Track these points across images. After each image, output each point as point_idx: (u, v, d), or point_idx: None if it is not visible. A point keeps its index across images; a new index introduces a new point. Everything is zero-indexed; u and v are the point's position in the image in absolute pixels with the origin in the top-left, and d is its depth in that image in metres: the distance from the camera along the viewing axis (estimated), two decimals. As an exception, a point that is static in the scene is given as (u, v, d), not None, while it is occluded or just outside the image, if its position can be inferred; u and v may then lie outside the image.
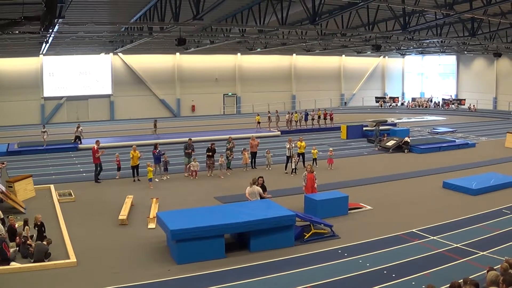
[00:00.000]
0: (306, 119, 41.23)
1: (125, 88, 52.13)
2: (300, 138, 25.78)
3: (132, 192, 19.87)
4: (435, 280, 10.71)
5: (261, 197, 16.19)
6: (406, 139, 30.84)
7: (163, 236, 14.11)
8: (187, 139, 24.87)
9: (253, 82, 58.10)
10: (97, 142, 23.32)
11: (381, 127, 34.96)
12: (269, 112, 41.17)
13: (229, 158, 24.52)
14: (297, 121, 40.45)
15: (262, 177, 17.26)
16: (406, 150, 30.10)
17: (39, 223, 14.15)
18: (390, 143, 31.17)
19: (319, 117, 41.51)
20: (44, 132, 31.56)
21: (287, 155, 24.73)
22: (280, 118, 39.67)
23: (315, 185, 18.27)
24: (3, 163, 24.52)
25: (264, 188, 16.82)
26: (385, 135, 32.99)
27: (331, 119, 41.83)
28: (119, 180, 22.67)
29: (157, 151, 23.04)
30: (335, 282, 11.55)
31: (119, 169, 23.12)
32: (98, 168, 22.55)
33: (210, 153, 23.69)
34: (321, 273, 12.02)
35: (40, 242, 13.01)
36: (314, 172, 18.46)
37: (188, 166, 23.62)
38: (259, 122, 39.52)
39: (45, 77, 48.95)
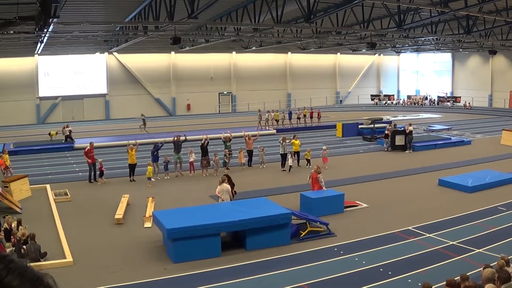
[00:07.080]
0: (290, 118, 40.65)
1: (120, 88, 51.89)
2: (295, 136, 25.84)
3: (128, 191, 19.84)
4: (431, 277, 10.72)
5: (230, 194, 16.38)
6: (410, 127, 29.77)
7: (159, 235, 14.10)
8: (178, 137, 24.17)
9: (249, 80, 57.94)
10: (91, 144, 22.99)
11: (376, 125, 34.98)
12: (259, 110, 40.98)
13: (227, 156, 24.57)
14: (278, 120, 39.81)
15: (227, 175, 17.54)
16: (410, 150, 29.48)
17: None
18: (400, 141, 29.83)
19: (304, 115, 40.71)
20: None
21: (280, 152, 24.79)
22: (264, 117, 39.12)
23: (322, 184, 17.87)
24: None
25: (232, 185, 16.96)
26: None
27: (319, 117, 41.32)
28: (114, 180, 22.58)
29: (155, 149, 23.02)
30: (331, 280, 11.57)
31: (101, 174, 22.41)
32: (92, 169, 22.38)
33: (203, 152, 23.63)
34: (317, 271, 12.04)
35: (32, 242, 12.90)
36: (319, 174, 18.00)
37: (177, 163, 23.51)
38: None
39: (40, 77, 48.64)
